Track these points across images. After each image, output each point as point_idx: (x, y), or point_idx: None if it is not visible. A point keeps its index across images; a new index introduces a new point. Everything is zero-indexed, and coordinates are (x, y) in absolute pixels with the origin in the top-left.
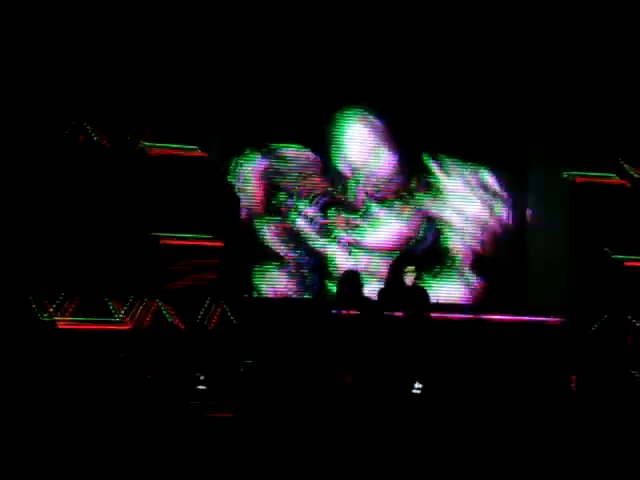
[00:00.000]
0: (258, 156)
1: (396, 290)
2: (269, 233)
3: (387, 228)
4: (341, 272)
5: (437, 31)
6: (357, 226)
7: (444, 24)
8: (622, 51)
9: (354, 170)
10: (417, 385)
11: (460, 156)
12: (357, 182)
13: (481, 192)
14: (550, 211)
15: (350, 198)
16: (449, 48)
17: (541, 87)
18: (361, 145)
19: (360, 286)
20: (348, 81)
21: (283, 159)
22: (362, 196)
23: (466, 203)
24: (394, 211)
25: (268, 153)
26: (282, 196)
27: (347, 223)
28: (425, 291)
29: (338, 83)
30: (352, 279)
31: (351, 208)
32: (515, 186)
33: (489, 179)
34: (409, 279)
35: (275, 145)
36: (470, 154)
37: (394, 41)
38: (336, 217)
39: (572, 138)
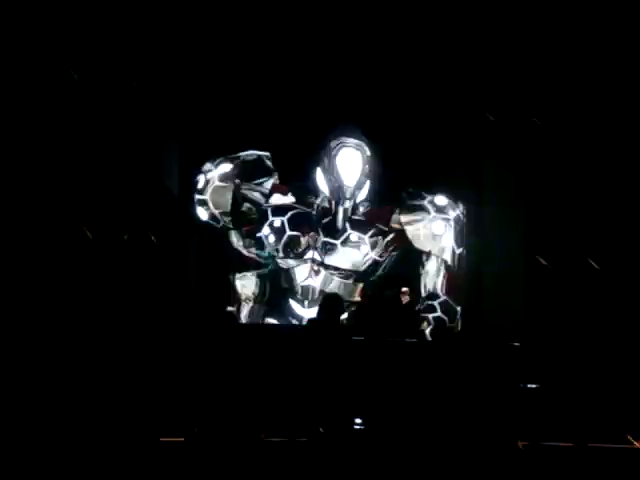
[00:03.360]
0: (225, 166)
1: (388, 311)
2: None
3: (357, 252)
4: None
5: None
6: (334, 248)
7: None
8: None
9: (343, 194)
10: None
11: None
12: (342, 207)
13: (439, 215)
14: (505, 228)
15: (334, 221)
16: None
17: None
18: (350, 170)
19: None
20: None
21: (250, 166)
22: (344, 221)
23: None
24: (370, 237)
25: (236, 162)
26: (250, 205)
27: (323, 244)
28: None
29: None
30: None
31: (331, 230)
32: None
33: (446, 202)
34: (404, 299)
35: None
36: (428, 179)
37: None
38: (307, 233)
39: (525, 158)
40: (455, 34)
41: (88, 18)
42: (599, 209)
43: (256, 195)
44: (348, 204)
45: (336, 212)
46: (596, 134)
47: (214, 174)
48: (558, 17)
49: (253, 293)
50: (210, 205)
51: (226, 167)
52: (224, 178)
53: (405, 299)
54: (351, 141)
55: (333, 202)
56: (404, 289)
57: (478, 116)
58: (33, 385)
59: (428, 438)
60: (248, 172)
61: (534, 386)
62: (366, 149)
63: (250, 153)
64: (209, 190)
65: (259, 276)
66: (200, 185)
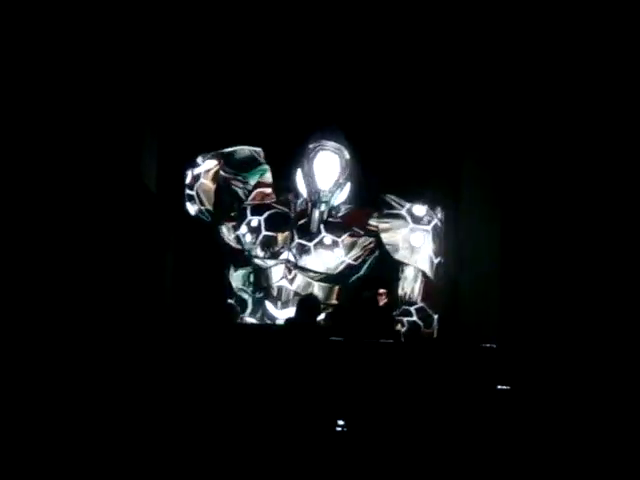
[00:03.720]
0: (213, 161)
1: (365, 313)
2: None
3: (331, 255)
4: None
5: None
6: (308, 251)
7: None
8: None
9: (319, 197)
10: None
11: (399, 192)
12: (317, 209)
13: (418, 226)
14: (482, 235)
15: (309, 223)
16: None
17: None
18: (327, 173)
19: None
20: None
21: (237, 162)
22: (319, 224)
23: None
24: (342, 241)
25: (223, 157)
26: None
27: (298, 245)
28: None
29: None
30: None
31: (306, 232)
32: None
33: (424, 211)
34: (381, 301)
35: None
36: (407, 192)
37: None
38: (283, 234)
39: (505, 162)
40: (433, 40)
41: (67, 7)
42: (576, 216)
43: (241, 192)
44: (324, 207)
45: (311, 214)
46: (575, 137)
47: (202, 169)
48: (534, 15)
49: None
50: (197, 200)
51: (214, 162)
52: (212, 173)
53: (382, 301)
54: (330, 144)
55: (310, 204)
56: (382, 291)
57: (458, 120)
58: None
59: (406, 437)
60: (235, 167)
61: (507, 387)
62: (345, 153)
63: (240, 148)
64: (197, 185)
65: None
66: (188, 180)
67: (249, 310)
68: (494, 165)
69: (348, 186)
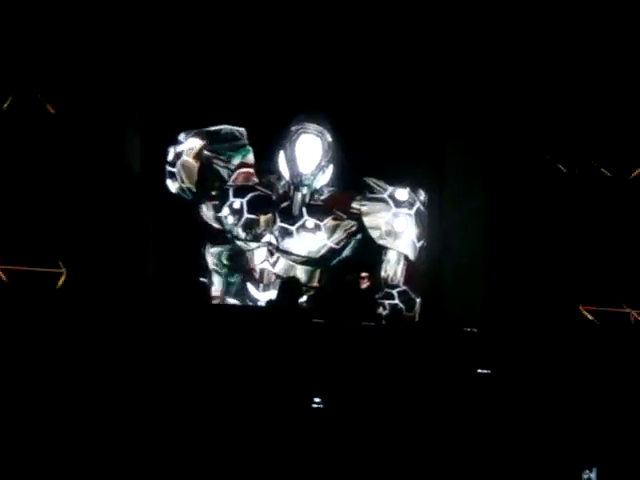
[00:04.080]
0: (196, 139)
1: (346, 295)
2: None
3: (313, 238)
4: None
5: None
6: (290, 234)
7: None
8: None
9: (301, 180)
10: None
11: (382, 174)
12: (299, 192)
13: (400, 210)
14: (465, 219)
15: (291, 206)
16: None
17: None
18: (309, 156)
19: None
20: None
21: (220, 141)
22: (302, 207)
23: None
24: (326, 224)
25: (207, 136)
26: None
27: (280, 228)
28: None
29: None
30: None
31: (288, 215)
32: (430, 196)
33: (406, 196)
34: (363, 284)
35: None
36: (390, 174)
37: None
38: (265, 217)
39: (489, 143)
40: (418, 21)
41: None
42: (560, 199)
43: (223, 172)
44: (306, 190)
45: (293, 198)
46: (560, 124)
47: (184, 146)
48: (521, 9)
49: (225, 265)
50: (178, 178)
51: (197, 140)
52: (194, 151)
53: (364, 284)
54: (312, 127)
55: (292, 187)
56: (363, 274)
57: (442, 102)
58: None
59: (385, 419)
60: (218, 146)
61: (487, 371)
62: (327, 136)
63: (224, 127)
64: (178, 163)
65: (231, 249)
66: (170, 157)
67: (219, 289)
68: (478, 147)
69: (330, 169)
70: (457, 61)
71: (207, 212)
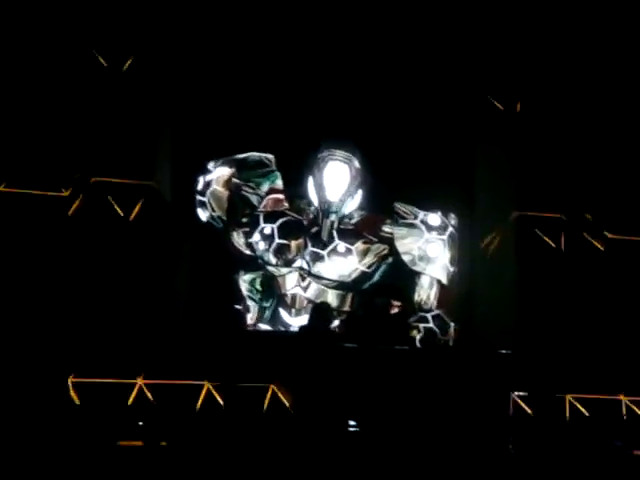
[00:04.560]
0: (224, 168)
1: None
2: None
3: (344, 262)
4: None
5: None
6: (322, 258)
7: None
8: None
9: (329, 207)
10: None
11: (412, 199)
12: (329, 218)
13: (434, 236)
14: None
15: (320, 231)
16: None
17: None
18: (337, 183)
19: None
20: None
21: (249, 169)
22: (331, 232)
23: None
24: (355, 248)
25: (235, 164)
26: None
27: (311, 253)
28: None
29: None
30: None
31: (318, 240)
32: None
33: (439, 221)
34: (393, 309)
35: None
36: (420, 197)
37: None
38: (296, 242)
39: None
40: (444, 49)
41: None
42: (592, 222)
43: (253, 198)
44: (334, 217)
45: (322, 224)
46: (584, 139)
47: (213, 175)
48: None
49: (259, 291)
50: (209, 206)
51: (225, 169)
52: (223, 180)
53: (395, 308)
54: (340, 153)
55: (321, 213)
56: (395, 302)
57: (470, 124)
58: None
59: (420, 441)
60: (247, 173)
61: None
62: (355, 161)
63: (252, 154)
64: (208, 192)
65: (264, 275)
66: (200, 186)
67: (254, 315)
68: (507, 169)
69: (360, 194)
70: (484, 84)
71: (238, 239)
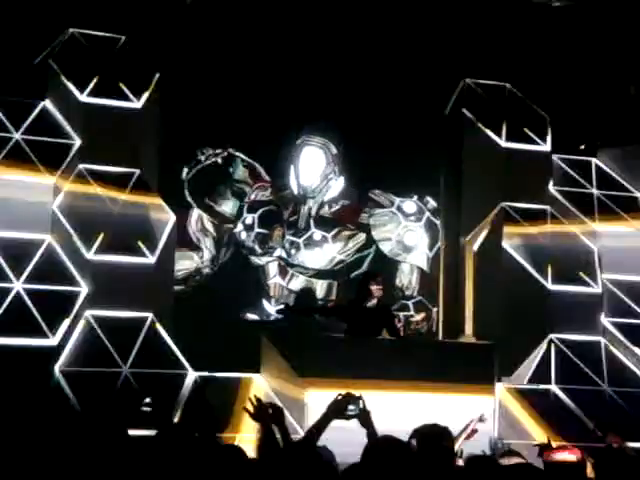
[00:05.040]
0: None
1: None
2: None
3: (322, 251)
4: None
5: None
6: (297, 247)
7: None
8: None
9: (305, 193)
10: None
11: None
12: (306, 205)
13: (411, 224)
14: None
15: (298, 219)
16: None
17: None
18: (315, 170)
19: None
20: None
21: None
22: (309, 220)
23: (406, 232)
24: (334, 236)
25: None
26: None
27: (289, 242)
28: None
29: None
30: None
31: (295, 228)
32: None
33: (414, 207)
34: (376, 293)
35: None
36: (405, 185)
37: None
38: (276, 231)
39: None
40: (422, 28)
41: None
42: None
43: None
44: (312, 203)
45: (299, 210)
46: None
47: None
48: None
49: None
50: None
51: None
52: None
53: (377, 292)
54: (316, 140)
55: (300, 200)
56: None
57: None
58: None
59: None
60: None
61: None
62: (331, 147)
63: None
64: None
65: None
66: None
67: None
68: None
69: (340, 182)
70: (465, 64)
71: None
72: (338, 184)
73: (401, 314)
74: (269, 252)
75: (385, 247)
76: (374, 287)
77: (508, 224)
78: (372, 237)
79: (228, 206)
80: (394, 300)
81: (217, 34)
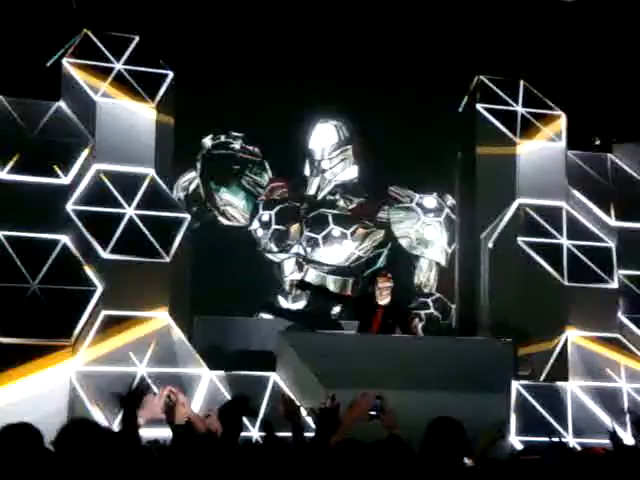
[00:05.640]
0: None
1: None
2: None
3: (340, 247)
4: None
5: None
6: (316, 243)
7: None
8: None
9: (315, 165)
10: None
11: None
12: (313, 177)
13: (430, 219)
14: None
15: (316, 216)
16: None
17: None
18: (324, 140)
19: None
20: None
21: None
22: (327, 216)
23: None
24: (352, 233)
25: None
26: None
27: (307, 238)
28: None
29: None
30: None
31: (314, 225)
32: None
33: (434, 203)
34: (385, 290)
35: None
36: (420, 182)
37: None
38: (293, 228)
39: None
40: (435, 33)
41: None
42: None
43: (256, 188)
44: (326, 175)
45: (310, 184)
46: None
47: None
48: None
49: None
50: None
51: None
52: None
53: (386, 289)
54: (330, 121)
55: (310, 178)
56: (383, 285)
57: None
58: None
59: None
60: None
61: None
62: (344, 129)
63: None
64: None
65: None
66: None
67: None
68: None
69: (354, 170)
70: (479, 60)
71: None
72: (352, 171)
73: (422, 312)
74: (286, 250)
75: (405, 243)
76: (381, 280)
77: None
78: (392, 233)
79: (236, 198)
80: (413, 297)
81: (230, 24)
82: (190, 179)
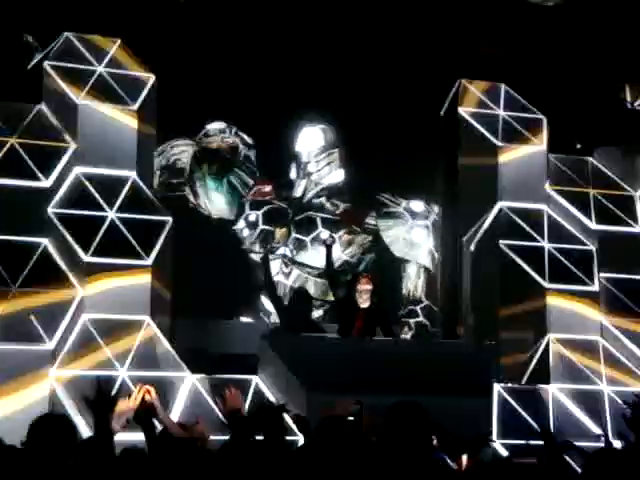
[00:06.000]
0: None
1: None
2: None
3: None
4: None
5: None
6: (304, 245)
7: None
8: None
9: (302, 167)
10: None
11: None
12: (300, 179)
13: (417, 222)
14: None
15: (304, 218)
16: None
17: None
18: (310, 143)
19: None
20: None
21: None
22: (316, 219)
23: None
24: (341, 237)
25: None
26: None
27: (294, 240)
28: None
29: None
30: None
31: (302, 227)
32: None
33: (422, 207)
34: (365, 294)
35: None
36: (402, 185)
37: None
38: (280, 229)
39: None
40: (426, 35)
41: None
42: None
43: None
44: (312, 177)
45: (297, 186)
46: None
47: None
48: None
49: None
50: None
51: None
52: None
53: (366, 293)
54: (316, 125)
55: (299, 175)
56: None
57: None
58: None
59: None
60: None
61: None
62: (330, 132)
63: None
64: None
65: None
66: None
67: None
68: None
69: (340, 173)
70: (460, 64)
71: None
72: (338, 174)
73: (411, 321)
74: (271, 251)
75: (394, 247)
76: (361, 282)
77: None
78: (380, 239)
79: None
80: (401, 305)
81: (215, 28)
82: (177, 154)
